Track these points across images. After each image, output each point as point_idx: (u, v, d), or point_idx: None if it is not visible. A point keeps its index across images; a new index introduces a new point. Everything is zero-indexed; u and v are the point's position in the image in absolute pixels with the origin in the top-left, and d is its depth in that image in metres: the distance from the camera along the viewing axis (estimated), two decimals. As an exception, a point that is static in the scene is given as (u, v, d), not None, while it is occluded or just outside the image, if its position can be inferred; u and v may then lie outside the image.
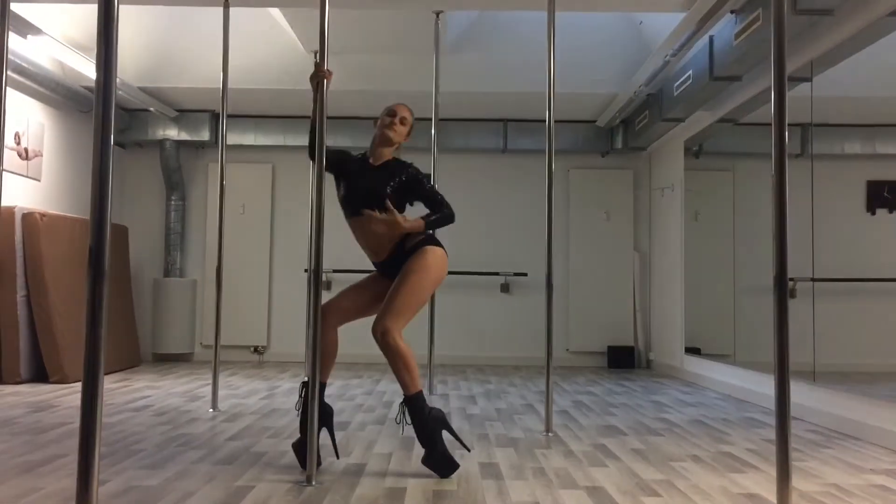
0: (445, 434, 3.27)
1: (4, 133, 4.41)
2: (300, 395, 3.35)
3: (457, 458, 3.28)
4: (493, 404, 5.40)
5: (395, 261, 3.38)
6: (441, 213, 3.41)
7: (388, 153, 3.51)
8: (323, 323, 3.30)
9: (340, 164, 3.51)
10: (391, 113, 3.51)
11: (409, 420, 3.24)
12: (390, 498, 2.87)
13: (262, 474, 3.21)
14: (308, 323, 3.38)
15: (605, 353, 8.39)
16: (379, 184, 3.39)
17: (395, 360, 3.22)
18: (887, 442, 3.96)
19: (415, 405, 3.23)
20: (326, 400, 3.40)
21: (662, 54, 5.92)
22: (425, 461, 3.23)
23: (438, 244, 3.43)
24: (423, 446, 3.25)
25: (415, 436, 3.26)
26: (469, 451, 3.50)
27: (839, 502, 2.88)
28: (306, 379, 3.27)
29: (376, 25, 6.46)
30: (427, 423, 3.22)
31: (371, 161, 3.50)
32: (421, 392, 3.27)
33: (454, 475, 3.22)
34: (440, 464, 3.21)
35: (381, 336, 3.21)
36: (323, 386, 3.35)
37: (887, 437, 3.97)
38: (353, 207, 3.43)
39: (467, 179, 8.56)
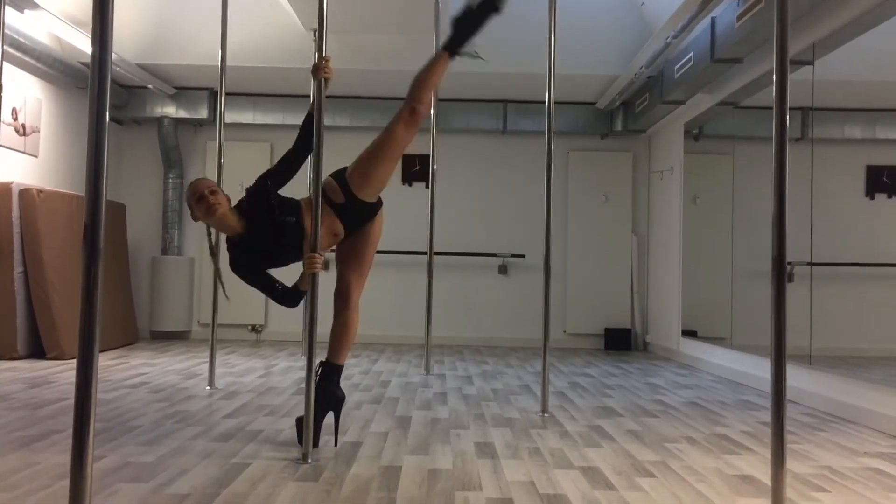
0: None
1: (1, 109, 4.39)
2: (316, 374, 3.30)
3: (453, 437, 3.27)
4: (490, 385, 5.41)
5: (355, 208, 3.37)
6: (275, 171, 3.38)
7: (234, 221, 3.28)
8: (350, 304, 3.38)
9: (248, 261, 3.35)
10: (200, 198, 3.24)
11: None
12: (386, 476, 2.88)
13: (259, 451, 3.22)
14: (305, 302, 3.38)
15: (602, 336, 8.41)
16: (275, 239, 3.29)
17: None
18: (882, 425, 3.98)
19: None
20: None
21: (664, 36, 5.89)
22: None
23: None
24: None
25: (411, 415, 3.25)
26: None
27: (833, 485, 2.90)
28: (324, 360, 3.34)
29: (376, 4, 6.41)
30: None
31: (239, 239, 3.31)
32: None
33: (450, 452, 3.23)
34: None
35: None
36: (340, 368, 3.37)
37: (882, 420, 3.99)
38: (285, 258, 3.38)
39: (466, 160, 8.54)
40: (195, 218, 3.33)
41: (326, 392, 3.29)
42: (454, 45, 3.43)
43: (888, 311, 5.51)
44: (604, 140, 8.62)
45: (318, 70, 3.27)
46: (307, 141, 3.34)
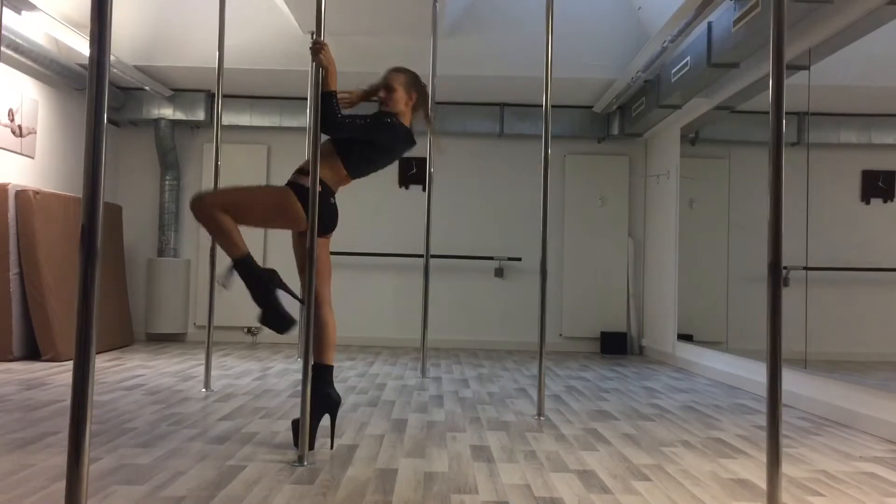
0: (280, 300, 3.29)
1: (-2, 109, 4.38)
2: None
3: (448, 440, 3.28)
4: (486, 388, 5.41)
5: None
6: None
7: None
8: (319, 303, 3.33)
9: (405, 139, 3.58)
10: (387, 89, 3.59)
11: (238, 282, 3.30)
12: (381, 479, 2.88)
13: (254, 454, 3.22)
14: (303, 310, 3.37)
15: (598, 339, 8.41)
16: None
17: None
18: (877, 430, 3.99)
19: (244, 266, 3.28)
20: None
21: (660, 40, 5.90)
22: (261, 319, 3.27)
23: (298, 191, 3.36)
24: (259, 305, 3.26)
25: (407, 418, 3.25)
26: (302, 303, 3.32)
27: (828, 489, 2.90)
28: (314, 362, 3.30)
29: (373, 7, 6.42)
30: (260, 280, 3.26)
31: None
32: (249, 255, 3.31)
33: (446, 455, 3.23)
34: (276, 320, 3.24)
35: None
36: (330, 369, 3.35)
37: (877, 425, 4.00)
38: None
39: (463, 163, 8.54)
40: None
41: (322, 395, 3.28)
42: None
43: (883, 316, 5.52)
44: (600, 144, 8.63)
45: (317, 50, 3.28)
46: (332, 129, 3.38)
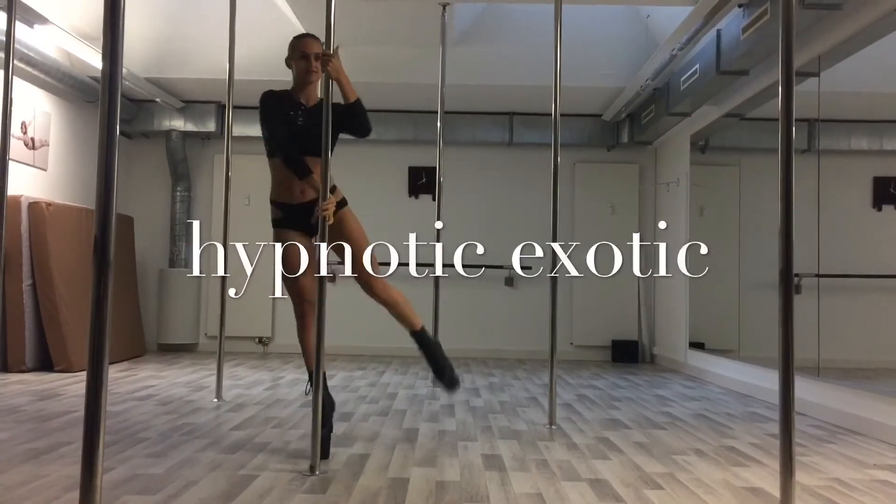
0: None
1: (11, 123, 4.42)
2: (307, 386, 3.39)
3: (460, 449, 3.27)
4: (497, 397, 5.41)
5: (307, 210, 3.50)
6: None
7: (315, 92, 3.58)
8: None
9: (277, 106, 3.62)
10: (305, 56, 3.51)
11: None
12: (393, 489, 2.87)
13: (266, 463, 3.22)
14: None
15: (609, 347, 8.39)
16: (315, 126, 3.41)
17: (399, 304, 3.73)
18: (891, 438, 3.96)
19: (422, 338, 3.68)
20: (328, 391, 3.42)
21: (669, 48, 5.90)
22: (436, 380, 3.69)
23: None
24: (434, 370, 3.66)
25: (418, 427, 3.26)
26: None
27: (842, 497, 2.88)
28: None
29: (383, 17, 6.44)
30: (434, 349, 3.67)
31: (303, 102, 3.60)
32: (423, 327, 3.73)
33: (457, 465, 3.23)
34: (452, 380, 3.64)
35: (378, 295, 3.66)
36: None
37: (891, 432, 3.97)
38: (289, 150, 3.55)
39: (473, 173, 8.55)
40: (288, 65, 3.66)
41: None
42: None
43: (896, 323, 5.49)
44: (610, 152, 8.63)
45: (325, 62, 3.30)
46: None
